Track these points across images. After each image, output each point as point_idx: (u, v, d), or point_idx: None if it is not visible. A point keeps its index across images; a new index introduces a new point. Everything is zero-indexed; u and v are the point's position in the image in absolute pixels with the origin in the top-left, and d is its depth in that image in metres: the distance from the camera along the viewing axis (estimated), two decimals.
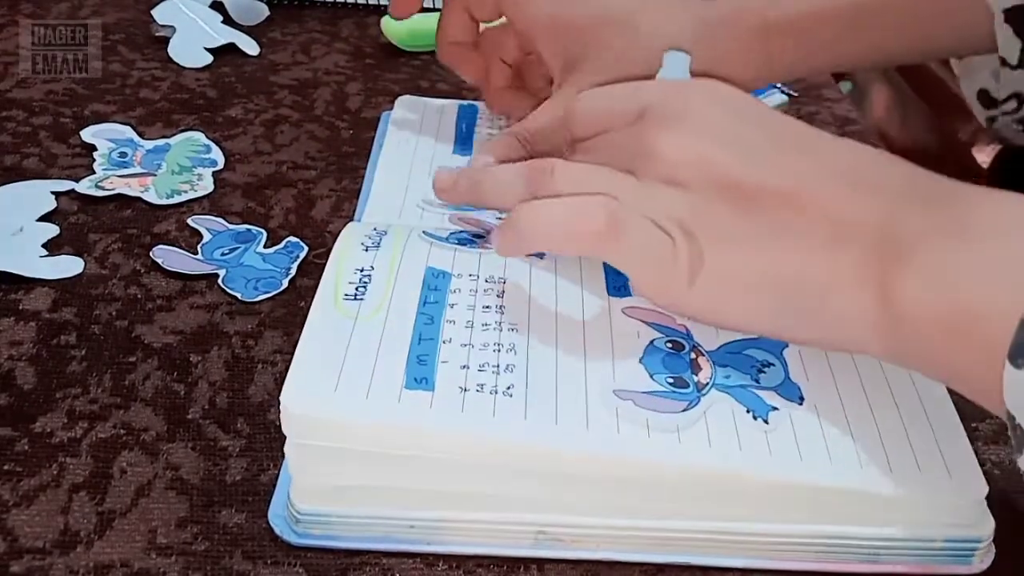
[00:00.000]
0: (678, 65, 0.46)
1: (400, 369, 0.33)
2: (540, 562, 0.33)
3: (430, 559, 0.33)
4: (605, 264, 0.40)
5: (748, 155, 0.33)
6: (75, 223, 0.49)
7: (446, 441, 0.32)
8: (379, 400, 0.32)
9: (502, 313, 0.37)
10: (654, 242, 0.33)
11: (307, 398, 0.32)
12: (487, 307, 0.37)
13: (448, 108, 0.58)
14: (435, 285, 0.38)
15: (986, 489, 0.32)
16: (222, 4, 0.72)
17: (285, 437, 0.32)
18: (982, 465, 0.37)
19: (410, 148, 0.53)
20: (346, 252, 0.39)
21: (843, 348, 0.34)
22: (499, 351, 0.35)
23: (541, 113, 0.48)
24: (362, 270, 0.38)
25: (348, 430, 0.32)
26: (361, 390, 0.32)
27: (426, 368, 0.33)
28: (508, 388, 0.33)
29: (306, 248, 0.47)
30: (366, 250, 0.39)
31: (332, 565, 0.32)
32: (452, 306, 0.37)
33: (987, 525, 0.33)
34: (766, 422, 0.33)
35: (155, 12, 0.70)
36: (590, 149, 0.38)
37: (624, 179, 0.35)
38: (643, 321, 0.37)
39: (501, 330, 0.36)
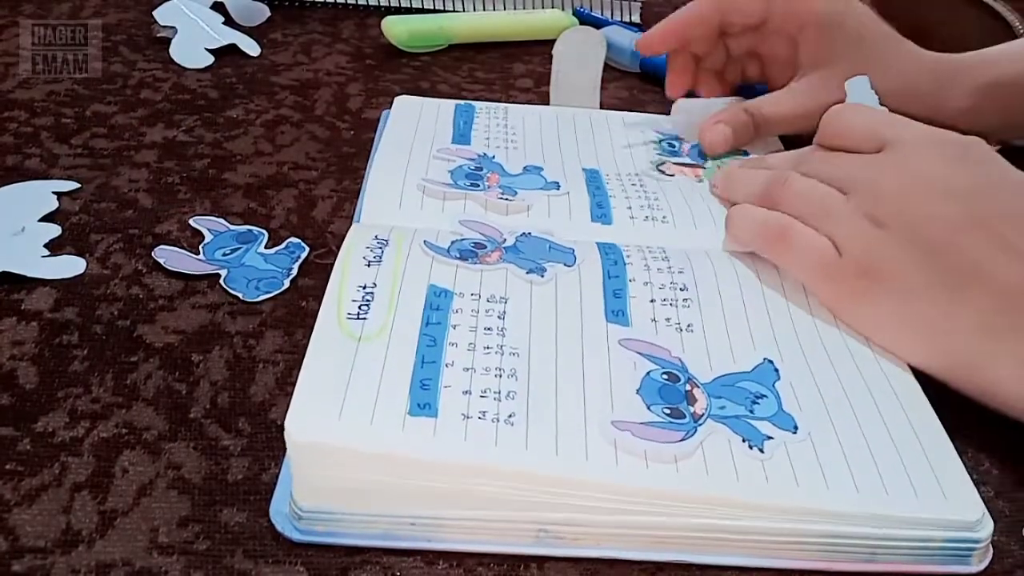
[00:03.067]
0: (862, 89, 0.49)
1: (404, 394, 0.34)
2: (540, 560, 0.33)
3: (431, 557, 0.33)
4: (604, 287, 0.41)
5: (959, 223, 0.38)
6: (77, 223, 0.49)
7: (449, 467, 0.32)
8: (383, 427, 0.33)
9: (503, 336, 0.37)
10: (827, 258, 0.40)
11: (311, 425, 0.32)
12: (488, 329, 0.37)
13: (445, 106, 0.58)
14: (437, 304, 0.38)
15: (981, 509, 0.33)
16: (223, 5, 0.72)
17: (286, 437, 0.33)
18: (980, 465, 0.37)
19: (408, 140, 0.53)
20: (348, 267, 0.39)
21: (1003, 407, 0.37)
22: (500, 376, 0.35)
23: (784, 99, 0.55)
24: (364, 287, 0.38)
25: (352, 457, 0.32)
26: (365, 417, 0.33)
27: (429, 393, 0.34)
28: (509, 416, 0.34)
29: (307, 249, 0.48)
30: (368, 265, 0.40)
31: (333, 564, 0.32)
32: (455, 327, 0.37)
33: (986, 526, 0.33)
34: (762, 451, 0.34)
35: (156, 13, 0.70)
36: (827, 160, 0.44)
37: (836, 201, 0.41)
38: (639, 353, 0.37)
39: (503, 354, 0.36)
